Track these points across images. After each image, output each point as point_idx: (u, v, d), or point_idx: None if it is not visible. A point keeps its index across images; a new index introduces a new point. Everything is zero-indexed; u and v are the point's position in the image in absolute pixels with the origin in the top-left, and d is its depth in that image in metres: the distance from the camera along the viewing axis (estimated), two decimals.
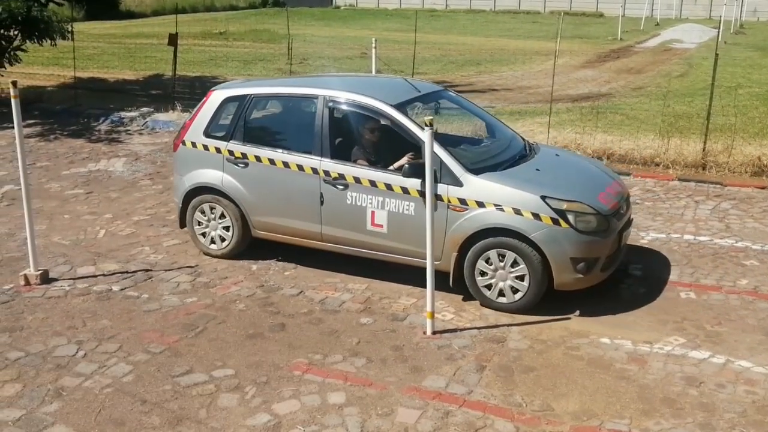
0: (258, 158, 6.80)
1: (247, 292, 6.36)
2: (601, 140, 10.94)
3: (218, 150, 6.97)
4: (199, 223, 7.19)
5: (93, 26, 32.23)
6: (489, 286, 6.10)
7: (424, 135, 5.32)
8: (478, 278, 6.11)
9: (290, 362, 5.21)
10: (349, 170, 6.44)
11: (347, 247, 6.62)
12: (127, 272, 6.73)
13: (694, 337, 5.62)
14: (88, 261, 6.98)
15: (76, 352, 5.31)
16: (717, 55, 10.72)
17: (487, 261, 6.06)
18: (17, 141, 6.23)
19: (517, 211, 5.89)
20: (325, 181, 6.51)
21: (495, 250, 6.00)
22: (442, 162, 6.07)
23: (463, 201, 6.05)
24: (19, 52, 15.16)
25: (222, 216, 7.06)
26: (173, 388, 4.87)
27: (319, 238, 6.70)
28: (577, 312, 6.03)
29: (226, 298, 6.25)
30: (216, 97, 7.19)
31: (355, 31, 34.14)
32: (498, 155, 6.65)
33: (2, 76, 14.87)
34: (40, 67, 19.49)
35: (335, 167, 6.49)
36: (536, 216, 5.84)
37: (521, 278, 5.97)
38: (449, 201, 6.07)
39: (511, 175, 6.26)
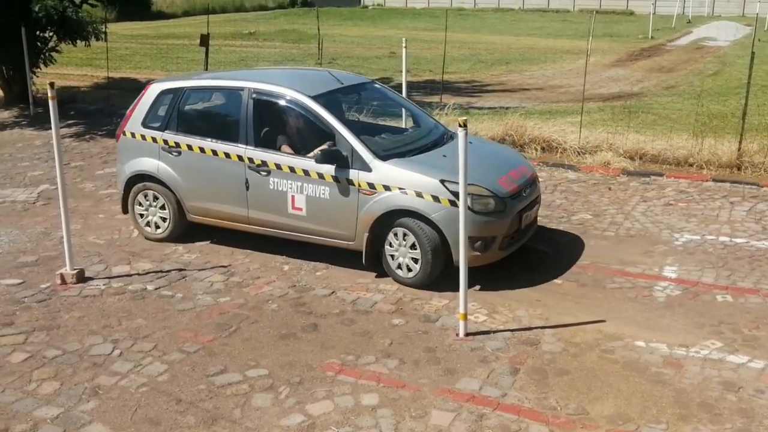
0: (189, 147, 7.24)
1: (280, 292, 6.39)
2: (633, 140, 10.82)
3: (154, 139, 7.42)
4: (140, 210, 7.61)
5: (125, 27, 32.60)
6: (399, 266, 6.54)
7: (459, 134, 5.29)
8: (387, 257, 6.58)
9: (323, 363, 5.22)
10: (270, 157, 6.88)
11: (271, 229, 7.06)
12: (161, 271, 6.80)
13: (732, 341, 5.53)
14: (123, 260, 7.06)
15: (112, 350, 5.37)
16: (753, 53, 10.54)
17: (393, 239, 6.51)
18: (54, 142, 6.31)
19: (419, 194, 6.34)
20: (249, 167, 6.94)
21: (400, 229, 6.45)
22: (353, 149, 6.55)
23: (371, 185, 6.50)
24: (54, 53, 15.40)
25: (158, 201, 7.49)
26: (208, 387, 4.91)
27: (246, 221, 7.15)
28: (611, 315, 5.96)
29: (258, 297, 6.29)
30: (153, 90, 7.63)
31: (383, 31, 34.17)
32: (411, 143, 7.09)
33: (38, 76, 15.12)
34: (74, 67, 19.78)
35: (258, 155, 6.92)
36: (436, 198, 6.28)
37: (416, 255, 6.42)
38: (359, 185, 6.52)
39: (417, 161, 6.68)
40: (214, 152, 7.12)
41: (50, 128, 6.35)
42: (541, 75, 20.68)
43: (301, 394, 4.84)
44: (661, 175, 9.81)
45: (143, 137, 7.48)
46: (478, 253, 6.33)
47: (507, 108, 14.44)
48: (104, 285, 6.48)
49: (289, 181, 6.80)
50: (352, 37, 30.43)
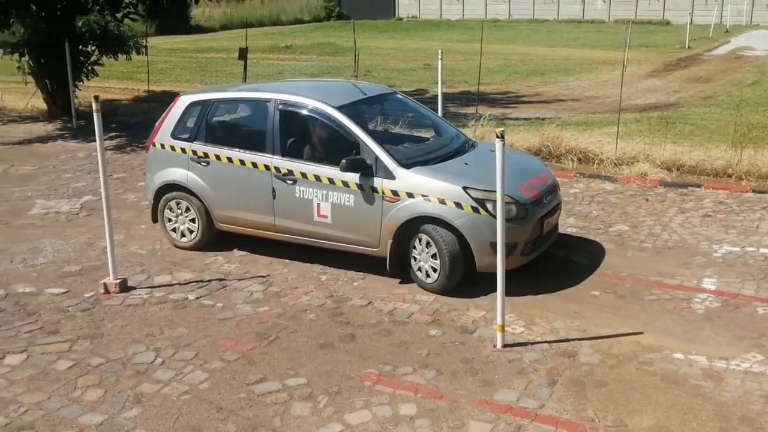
0: (218, 157, 7.43)
1: (317, 302, 6.46)
2: (670, 151, 10.73)
3: (183, 150, 7.62)
4: (169, 219, 7.81)
5: (164, 41, 33.16)
6: (420, 269, 6.69)
7: (496, 146, 5.31)
8: (412, 262, 6.74)
9: (361, 372, 5.27)
10: (296, 166, 7.05)
11: (297, 236, 7.22)
12: (202, 281, 6.92)
13: None
14: (165, 270, 7.20)
15: (155, 359, 5.48)
16: None
17: (416, 246, 6.66)
18: (98, 154, 6.46)
19: (442, 201, 6.48)
20: (276, 176, 7.12)
21: (423, 236, 6.58)
22: (377, 157, 6.71)
23: (395, 192, 6.64)
24: (96, 67, 15.76)
25: (188, 211, 7.67)
26: (248, 395, 4.98)
27: (273, 229, 7.31)
28: (649, 327, 5.92)
29: (296, 307, 6.36)
30: (181, 102, 7.86)
31: (418, 43, 34.29)
32: (434, 152, 7.24)
33: (80, 90, 15.48)
34: (115, 81, 20.18)
35: (285, 164, 7.09)
36: (458, 205, 6.42)
37: (436, 261, 6.56)
38: (383, 192, 6.67)
39: (440, 168, 6.83)
40: (242, 162, 7.31)
41: (92, 140, 6.52)
42: (576, 86, 20.58)
43: (339, 403, 4.89)
44: (699, 186, 9.71)
45: (172, 148, 7.70)
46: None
47: (543, 119, 14.40)
48: (147, 294, 6.62)
49: (315, 190, 6.96)
50: (387, 50, 30.59)
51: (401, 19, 58.80)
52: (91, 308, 6.35)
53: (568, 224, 8.41)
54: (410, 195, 6.58)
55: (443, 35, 40.16)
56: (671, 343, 5.65)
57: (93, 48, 15.13)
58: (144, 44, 14.98)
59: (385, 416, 4.74)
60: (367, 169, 6.72)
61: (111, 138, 13.36)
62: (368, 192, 6.74)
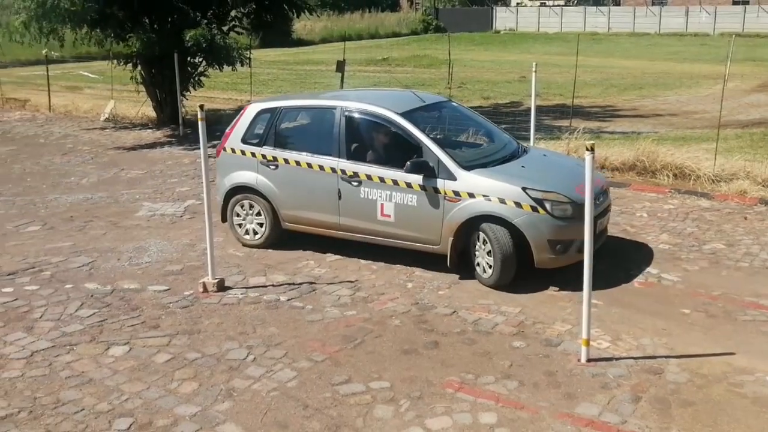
0: (286, 160, 7.87)
1: (403, 309, 6.59)
2: None
3: (253, 154, 8.06)
4: (238, 217, 8.23)
5: (266, 53, 34.25)
6: (478, 264, 7.06)
7: (586, 158, 5.32)
8: (472, 258, 7.12)
9: (443, 380, 5.36)
10: (362, 169, 7.45)
11: (361, 235, 7.61)
12: (293, 284, 7.17)
13: None
14: (259, 272, 7.50)
15: (247, 356, 5.73)
16: None
17: (476, 243, 7.03)
18: (202, 160, 6.83)
19: (502, 200, 6.85)
20: (342, 178, 7.53)
21: (481, 233, 6.95)
22: (439, 160, 7.09)
23: (456, 193, 7.01)
24: (202, 78, 16.50)
25: (252, 209, 8.12)
26: (333, 395, 5.15)
27: (337, 227, 7.72)
28: (742, 348, 5.76)
29: (382, 313, 6.51)
30: (251, 109, 8.35)
31: (514, 56, 34.12)
32: (491, 155, 7.63)
33: (187, 99, 16.24)
34: (220, 91, 21.01)
35: (350, 167, 7.50)
36: (518, 204, 6.79)
37: (490, 256, 6.92)
38: (445, 193, 7.05)
39: (499, 170, 7.22)
40: (309, 165, 7.73)
41: (197, 148, 6.90)
42: (675, 100, 20.03)
43: (420, 408, 5.00)
44: None
45: (243, 153, 8.14)
46: (558, 256, 6.85)
47: (639, 133, 14.12)
48: (242, 294, 6.92)
49: (379, 190, 7.35)
50: (483, 62, 30.59)
51: (498, 31, 58.62)
52: (190, 305, 6.69)
53: (660, 241, 8.26)
54: (471, 195, 6.96)
55: (540, 48, 39.78)
56: (765, 365, 5.48)
57: (200, 60, 15.86)
58: (248, 56, 15.58)
59: (466, 423, 4.81)
60: (430, 171, 7.09)
61: (214, 146, 13.80)
62: (431, 192, 7.11)
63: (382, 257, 7.70)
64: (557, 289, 6.94)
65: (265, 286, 7.12)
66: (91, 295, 6.91)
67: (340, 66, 14.57)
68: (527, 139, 11.90)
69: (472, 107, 18.46)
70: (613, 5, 61.76)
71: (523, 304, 6.64)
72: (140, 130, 16.49)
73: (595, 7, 59.09)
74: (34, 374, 5.44)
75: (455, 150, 7.54)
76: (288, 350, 5.81)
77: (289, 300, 6.79)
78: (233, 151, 8.25)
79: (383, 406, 5.02)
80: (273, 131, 8.07)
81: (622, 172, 11.16)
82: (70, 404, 5.03)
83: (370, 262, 7.70)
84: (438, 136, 7.74)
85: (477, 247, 7.05)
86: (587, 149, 5.29)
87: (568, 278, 6.93)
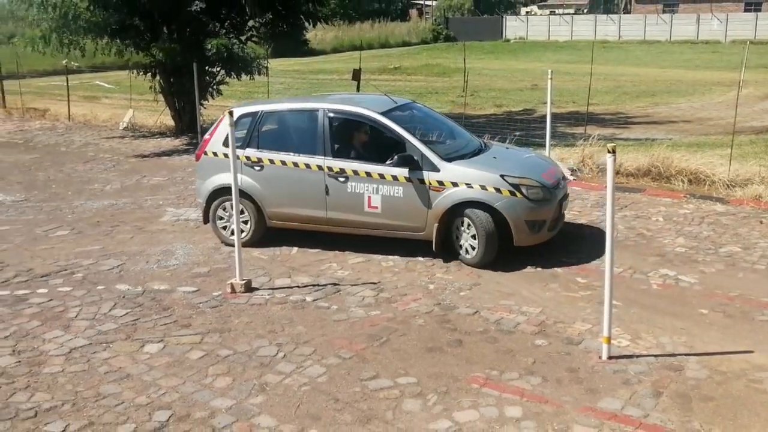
0: (272, 161, 8.29)
1: (426, 309, 6.76)
2: None
3: (237, 157, 7.98)
4: (221, 218, 8.60)
5: (279, 63, 34.53)
6: (461, 246, 7.79)
7: (607, 160, 5.47)
8: (454, 241, 7.82)
9: (468, 376, 5.52)
10: (348, 165, 8.02)
11: (348, 227, 8.16)
12: (318, 285, 7.36)
13: None
14: (284, 274, 7.69)
15: (277, 352, 5.91)
16: None
17: (459, 227, 7.74)
18: (232, 165, 7.03)
19: (483, 187, 7.58)
20: (329, 175, 8.04)
21: (465, 218, 7.66)
22: (422, 154, 7.76)
23: (440, 182, 7.70)
24: (221, 86, 16.76)
25: (241, 211, 8.21)
26: (362, 390, 5.32)
27: (324, 221, 8.24)
28: (760, 346, 5.90)
29: (406, 313, 6.68)
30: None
31: (525, 64, 34.30)
32: (463, 149, 8.37)
33: (205, 108, 16.49)
34: (236, 100, 21.17)
35: (337, 164, 8.04)
36: (497, 190, 7.57)
37: (475, 239, 7.67)
38: (430, 183, 7.71)
39: (476, 161, 8.01)
40: (295, 164, 8.18)
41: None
42: (688, 107, 20.15)
43: (447, 402, 5.16)
44: None
45: (225, 155, 8.18)
46: (534, 234, 7.71)
47: (653, 140, 14.27)
48: (268, 295, 7.10)
49: (366, 184, 7.91)
50: (494, 71, 30.79)
51: (508, 40, 58.81)
52: (219, 305, 6.88)
53: (677, 244, 8.40)
54: (455, 184, 7.65)
55: (551, 56, 39.95)
56: None
57: (218, 69, 16.12)
58: (265, 65, 15.84)
59: (492, 416, 4.97)
60: (415, 164, 7.73)
61: None
62: (416, 183, 7.75)
63: (403, 260, 7.89)
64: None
65: (291, 288, 7.30)
66: (123, 296, 7.11)
67: (356, 74, 14.81)
68: (542, 146, 12.09)
69: (485, 115, 18.72)
70: (624, 13, 61.93)
71: (544, 304, 6.80)
72: (159, 138, 16.76)
73: (605, 15, 59.29)
74: (74, 369, 5.64)
75: (432, 145, 8.12)
76: (316, 348, 5.99)
77: (314, 300, 6.97)
78: (215, 154, 8.59)
79: (411, 400, 5.18)
80: (256, 134, 8.43)
81: (637, 178, 11.30)
82: (110, 397, 5.22)
83: (391, 264, 7.89)
84: (417, 133, 8.20)
85: (461, 231, 7.74)
86: (609, 151, 5.45)
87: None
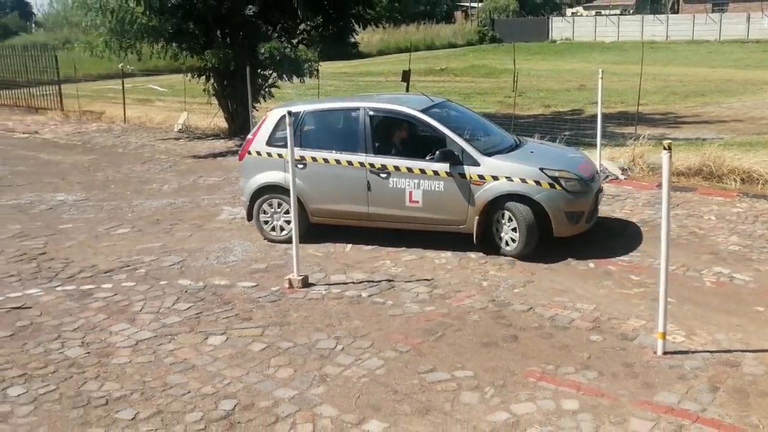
0: (314, 159, 8.54)
1: (480, 305, 6.86)
2: None
3: (280, 155, 8.62)
4: (265, 215, 8.83)
5: (327, 65, 34.81)
6: (501, 239, 8.04)
7: (663, 157, 5.52)
8: (494, 233, 8.05)
9: (524, 370, 5.61)
10: (389, 161, 8.27)
11: (389, 222, 8.42)
12: (372, 281, 7.52)
13: None
14: (339, 270, 7.87)
15: (335, 345, 6.08)
16: None
17: (500, 220, 7.98)
18: (290, 164, 7.23)
19: (523, 180, 7.82)
20: (371, 171, 8.29)
21: (505, 211, 7.89)
22: (462, 149, 8.00)
23: (481, 176, 7.93)
24: (272, 89, 17.06)
25: (280, 207, 8.71)
26: (420, 382, 5.46)
27: (366, 217, 8.48)
28: None
29: (460, 309, 6.80)
30: (274, 115, 8.95)
31: (571, 65, 34.07)
32: (500, 144, 8.61)
33: (257, 110, 16.81)
34: (286, 102, 21.59)
35: (379, 160, 8.29)
36: (537, 182, 7.80)
37: (515, 231, 7.91)
38: (470, 177, 7.94)
39: (514, 156, 8.27)
40: (338, 161, 8.45)
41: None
42: (740, 106, 19.84)
43: (504, 395, 5.26)
44: None
45: (269, 155, 8.74)
46: (572, 225, 7.92)
47: (704, 139, 14.12)
48: (325, 290, 7.29)
49: (407, 180, 8.15)
50: (541, 71, 30.66)
51: (555, 41, 58.42)
52: (277, 300, 7.08)
53: (730, 242, 8.36)
54: (495, 178, 7.88)
55: (597, 57, 39.60)
56: None
57: (270, 72, 16.41)
58: (316, 68, 16.08)
59: (549, 409, 5.05)
60: (455, 159, 7.96)
61: None
62: (457, 178, 7.98)
63: (456, 257, 8.01)
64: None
65: (346, 283, 7.47)
66: (185, 291, 7.37)
67: (406, 75, 14.96)
68: (592, 145, 12.07)
69: (533, 115, 18.70)
70: (672, 13, 61.01)
71: (597, 301, 6.85)
72: (213, 140, 17.14)
73: (652, 16, 58.49)
74: (141, 360, 5.89)
75: (471, 141, 8.29)
76: (373, 341, 6.14)
77: (370, 296, 7.12)
78: (258, 153, 8.85)
79: (469, 392, 5.30)
80: (298, 133, 8.52)
81: (688, 177, 11.23)
82: (177, 387, 5.45)
83: (444, 261, 8.01)
84: (456, 129, 8.36)
85: (502, 223, 7.97)
86: (664, 148, 5.49)
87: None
